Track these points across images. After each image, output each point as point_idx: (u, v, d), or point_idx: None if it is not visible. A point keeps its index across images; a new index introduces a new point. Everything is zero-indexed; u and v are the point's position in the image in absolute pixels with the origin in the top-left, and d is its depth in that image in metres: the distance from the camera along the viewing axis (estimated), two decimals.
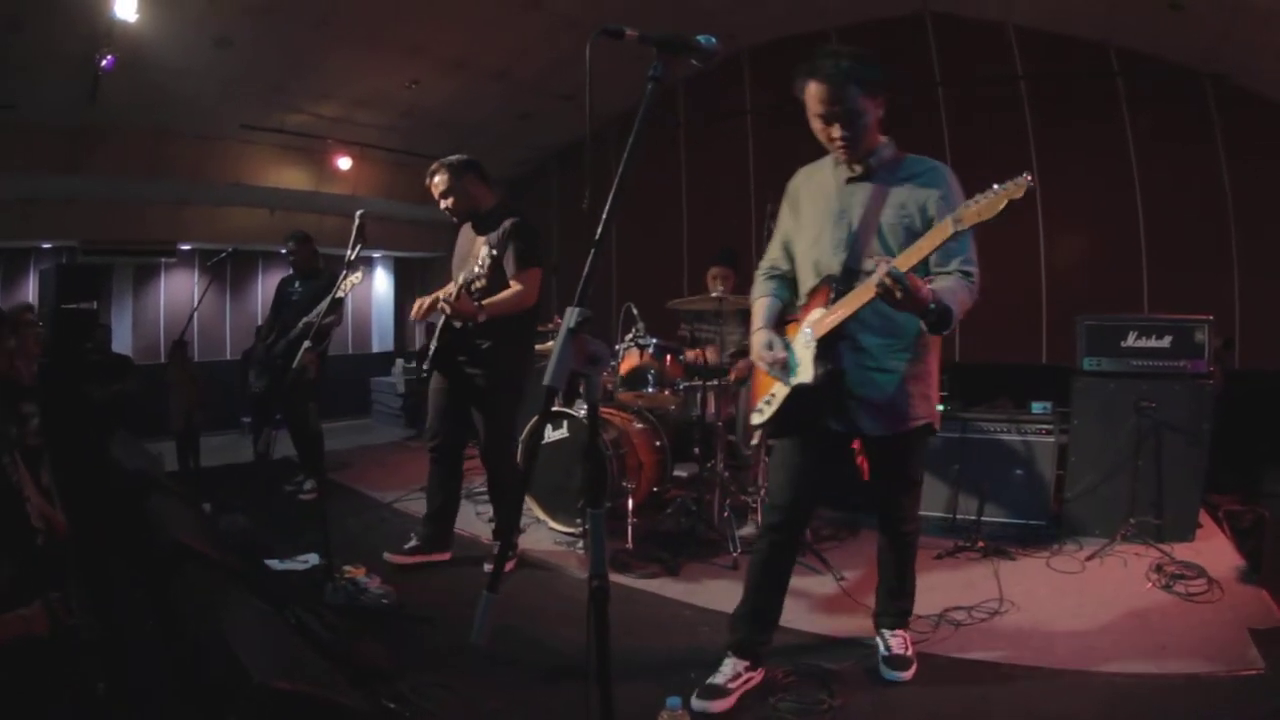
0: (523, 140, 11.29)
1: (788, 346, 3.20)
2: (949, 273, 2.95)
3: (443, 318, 4.69)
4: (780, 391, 3.21)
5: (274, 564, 4.82)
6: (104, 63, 6.91)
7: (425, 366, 4.85)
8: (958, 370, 5.98)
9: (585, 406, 5.34)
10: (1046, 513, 5.41)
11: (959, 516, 5.47)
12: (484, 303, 4.48)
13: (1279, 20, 5.85)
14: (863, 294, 2.87)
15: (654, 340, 5.73)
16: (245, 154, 9.80)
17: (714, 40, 2.05)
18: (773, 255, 3.50)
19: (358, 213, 4.44)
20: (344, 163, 10.15)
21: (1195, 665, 3.45)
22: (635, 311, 5.69)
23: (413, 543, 4.90)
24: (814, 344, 3.07)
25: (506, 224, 4.65)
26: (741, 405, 6.02)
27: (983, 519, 5.28)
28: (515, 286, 4.58)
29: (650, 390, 5.59)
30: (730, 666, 3.27)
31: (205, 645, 2.55)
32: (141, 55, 7.04)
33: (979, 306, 2.97)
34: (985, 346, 7.42)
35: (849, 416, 3.14)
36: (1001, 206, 2.50)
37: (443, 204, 4.82)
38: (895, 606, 3.58)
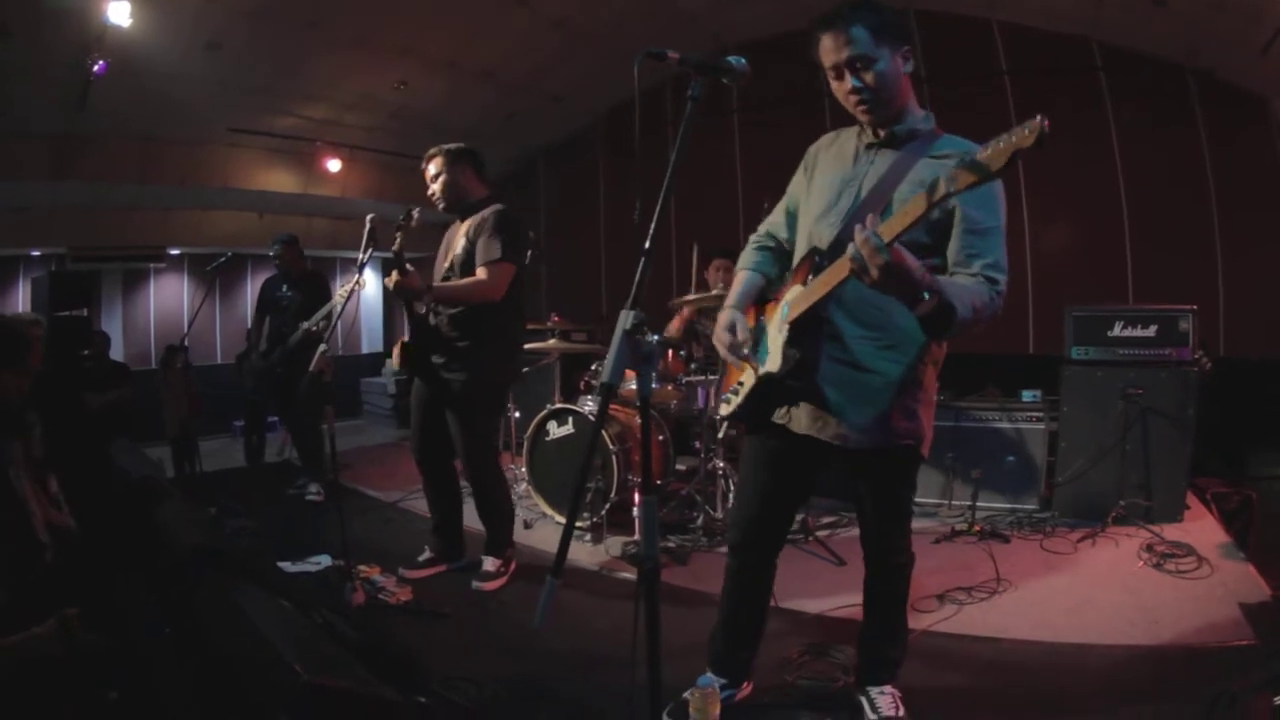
0: (511, 140, 11.32)
1: (761, 330, 2.79)
2: (971, 275, 2.45)
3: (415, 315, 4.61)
4: (749, 380, 2.77)
5: (285, 566, 4.84)
6: (96, 67, 6.89)
7: (396, 367, 4.69)
8: (946, 361, 6.10)
9: (590, 404, 5.49)
10: (1039, 497, 5.60)
11: (953, 502, 5.63)
12: (434, 285, 4.32)
13: (1259, 15, 5.99)
14: (839, 269, 2.34)
15: (655, 336, 5.80)
16: (233, 157, 9.75)
17: (744, 61, 2.17)
18: (772, 219, 3.05)
19: (368, 216, 4.30)
20: (333, 164, 10.13)
21: (1188, 638, 3.61)
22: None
23: (426, 555, 4.86)
24: (786, 328, 2.61)
25: (487, 213, 4.48)
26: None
27: (977, 504, 5.41)
28: (479, 275, 4.38)
29: (653, 385, 5.67)
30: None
31: (242, 645, 2.61)
32: (132, 60, 7.03)
33: None
34: (972, 336, 7.51)
35: (812, 420, 2.71)
36: (1005, 160, 1.88)
37: (431, 187, 4.64)
38: (883, 655, 3.04)
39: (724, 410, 2.97)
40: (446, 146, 4.63)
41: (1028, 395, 5.75)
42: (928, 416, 2.75)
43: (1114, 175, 7.78)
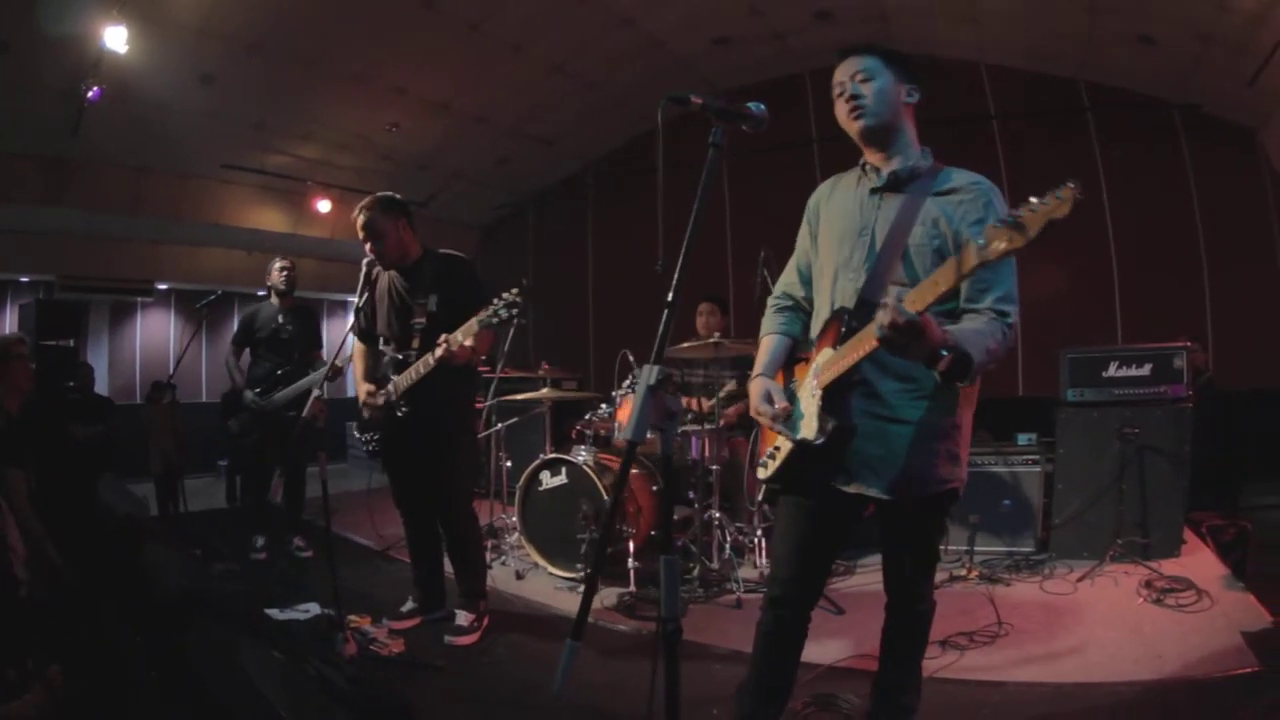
0: (502, 185, 11.45)
1: (793, 394, 2.70)
2: (979, 310, 2.43)
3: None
4: (785, 445, 2.66)
5: (274, 613, 4.71)
6: (90, 94, 6.90)
7: (368, 439, 4.68)
8: None
9: (583, 454, 5.48)
10: (1035, 539, 5.58)
11: (950, 547, 5.55)
12: (470, 344, 4.14)
13: (1247, 47, 6.13)
14: (865, 340, 2.31)
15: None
16: (225, 194, 9.82)
17: (763, 107, 2.17)
18: (786, 279, 3.00)
19: (365, 260, 4.30)
20: (323, 205, 10.18)
21: (1193, 670, 3.60)
22: (632, 358, 5.76)
23: (410, 605, 4.76)
24: (819, 394, 2.53)
25: (455, 266, 4.46)
26: (746, 455, 5.73)
27: (974, 549, 5.39)
28: (480, 333, 4.18)
29: (647, 435, 5.64)
30: None
31: (234, 696, 2.58)
32: (127, 88, 7.06)
33: None
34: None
35: (858, 476, 2.59)
36: (1040, 228, 1.88)
37: (371, 246, 4.34)
38: (899, 703, 2.90)
39: (761, 473, 2.85)
40: (381, 196, 4.43)
41: (1023, 439, 5.76)
42: (965, 457, 2.69)
43: (1101, 214, 7.86)
